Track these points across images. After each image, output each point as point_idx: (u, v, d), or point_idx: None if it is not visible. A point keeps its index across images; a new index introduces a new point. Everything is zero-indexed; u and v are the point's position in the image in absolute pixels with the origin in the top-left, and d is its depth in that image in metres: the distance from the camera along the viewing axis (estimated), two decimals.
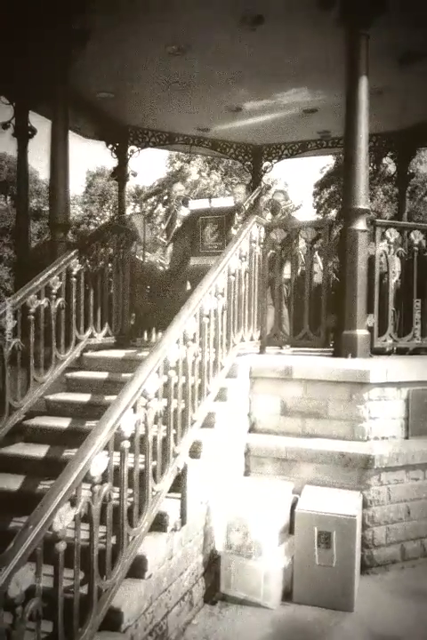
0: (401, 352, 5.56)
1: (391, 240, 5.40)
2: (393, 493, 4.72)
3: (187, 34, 6.15)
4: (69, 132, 6.33)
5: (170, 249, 7.43)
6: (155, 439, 3.46)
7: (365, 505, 4.60)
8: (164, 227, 7.84)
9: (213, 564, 4.27)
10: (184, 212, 7.32)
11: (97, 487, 2.83)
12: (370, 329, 5.28)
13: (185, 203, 7.46)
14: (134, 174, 10.17)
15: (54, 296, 5.02)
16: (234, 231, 6.40)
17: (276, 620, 3.99)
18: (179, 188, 8.18)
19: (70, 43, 5.75)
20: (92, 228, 26.51)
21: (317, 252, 5.69)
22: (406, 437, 4.92)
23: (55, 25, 5.63)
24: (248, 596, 4.16)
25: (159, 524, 3.55)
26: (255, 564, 4.14)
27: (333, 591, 4.14)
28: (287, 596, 4.26)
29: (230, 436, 4.69)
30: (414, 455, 4.76)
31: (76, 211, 28.87)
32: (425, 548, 4.86)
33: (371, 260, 5.34)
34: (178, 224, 7.26)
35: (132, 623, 3.10)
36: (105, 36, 6.05)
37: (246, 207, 6.70)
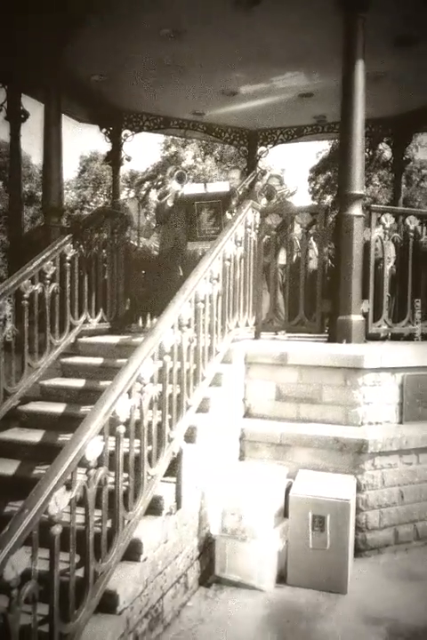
0: (396, 338, 5.58)
1: (387, 226, 5.40)
2: (387, 478, 4.76)
3: (182, 16, 6.06)
4: (63, 115, 6.28)
5: (161, 231, 7.34)
6: (150, 424, 3.47)
7: (359, 489, 4.63)
8: (155, 205, 7.72)
9: (208, 548, 4.30)
10: (176, 187, 7.17)
11: (92, 471, 2.83)
12: (365, 315, 5.30)
13: (180, 178, 7.31)
14: (129, 159, 10.09)
15: (48, 281, 5.00)
16: (229, 216, 6.38)
17: (270, 603, 4.03)
18: (171, 171, 8.09)
19: (64, 26, 5.67)
20: (85, 212, 26.33)
21: (312, 238, 5.68)
22: (400, 422, 4.95)
23: (49, 8, 5.55)
24: (243, 579, 4.19)
25: (154, 508, 3.57)
26: (250, 547, 4.17)
27: (326, 574, 4.18)
28: (282, 578, 4.30)
29: (225, 421, 4.70)
30: (407, 440, 4.80)
31: (69, 195, 28.66)
32: (418, 531, 4.91)
33: (366, 246, 5.34)
34: (169, 203, 7.14)
35: (127, 605, 3.13)
36: (99, 19, 5.97)
37: (241, 192, 6.67)
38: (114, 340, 5.52)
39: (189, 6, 5.84)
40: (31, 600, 2.37)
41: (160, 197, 7.25)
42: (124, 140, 9.76)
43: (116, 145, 9.75)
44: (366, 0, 5.07)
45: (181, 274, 6.84)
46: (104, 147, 10.12)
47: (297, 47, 6.68)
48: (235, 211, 6.03)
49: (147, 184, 8.23)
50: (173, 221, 7.09)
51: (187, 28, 6.32)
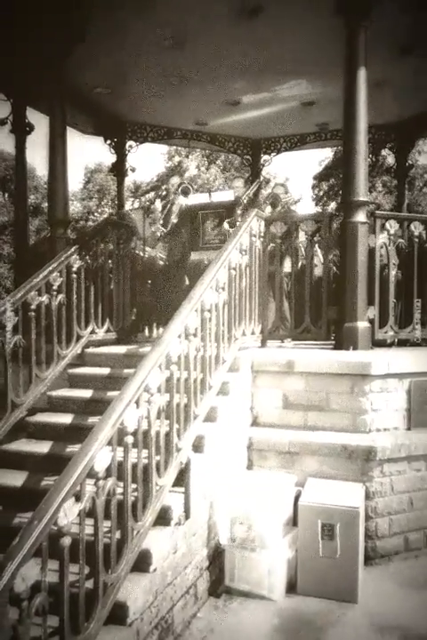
0: (402, 344, 5.56)
1: (391, 232, 5.40)
2: (396, 484, 4.73)
3: (183, 26, 6.11)
4: (67, 127, 6.31)
5: (169, 241, 7.40)
6: (158, 434, 3.47)
7: (368, 496, 4.61)
8: (160, 216, 7.80)
9: (217, 558, 4.28)
10: (182, 200, 7.27)
11: (101, 482, 2.83)
12: (371, 321, 5.28)
13: (185, 192, 7.42)
14: (133, 169, 10.15)
15: (55, 292, 5.03)
16: (227, 226, 6.40)
17: (280, 612, 4.00)
18: (175, 181, 8.15)
19: (67, 39, 5.72)
20: (91, 223, 26.45)
21: (317, 245, 5.68)
22: (408, 428, 4.93)
23: (52, 21, 5.60)
24: (253, 589, 4.17)
25: (163, 519, 3.56)
26: (259, 556, 4.16)
27: (337, 582, 4.15)
28: (292, 587, 4.28)
29: (233, 430, 4.69)
30: (416, 446, 4.77)
31: (74, 207, 28.82)
32: None
33: (371, 252, 5.33)
34: (174, 217, 7.22)
35: (137, 617, 3.12)
36: (102, 32, 6.02)
37: (245, 201, 6.69)
38: (121, 350, 5.53)
39: (192, 17, 5.89)
40: (41, 612, 2.37)
41: (164, 210, 7.34)
42: (129, 150, 9.83)
43: (121, 156, 9.81)
44: (368, 8, 5.10)
45: (188, 283, 6.86)
46: (108, 158, 10.15)
47: (299, 56, 6.71)
48: (239, 220, 6.05)
49: (151, 194, 8.33)
50: (181, 233, 7.15)
51: (189, 38, 6.37)
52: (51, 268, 5.02)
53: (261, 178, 10.26)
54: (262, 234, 5.40)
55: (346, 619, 3.92)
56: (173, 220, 7.27)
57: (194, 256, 6.76)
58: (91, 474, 2.78)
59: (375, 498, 4.64)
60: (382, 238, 5.40)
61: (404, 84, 7.52)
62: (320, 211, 21.18)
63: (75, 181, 30.85)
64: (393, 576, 4.50)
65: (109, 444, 2.95)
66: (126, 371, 4.74)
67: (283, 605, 4.10)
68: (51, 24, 5.65)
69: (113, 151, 9.80)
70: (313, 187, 27.95)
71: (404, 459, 4.75)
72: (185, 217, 7.11)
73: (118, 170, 10.01)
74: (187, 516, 3.75)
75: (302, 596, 4.20)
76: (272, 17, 5.83)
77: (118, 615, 3.01)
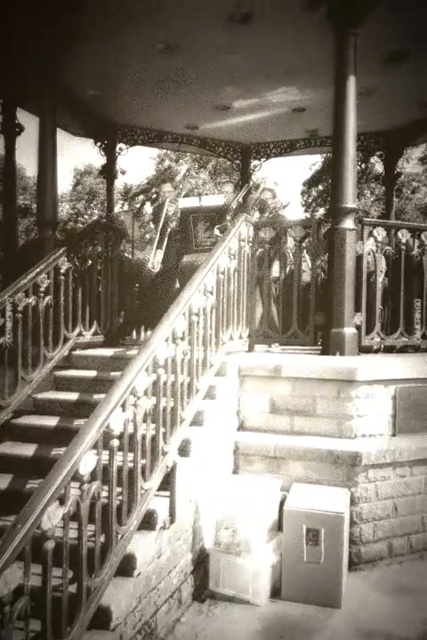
0: (389, 350, 5.59)
1: (379, 239, 5.43)
2: (381, 490, 4.76)
3: (175, 32, 6.13)
4: (58, 129, 6.29)
5: (163, 250, 7.41)
6: (144, 437, 3.47)
7: (352, 502, 4.63)
8: (153, 226, 7.81)
9: (202, 562, 4.28)
10: (171, 208, 7.31)
11: (86, 486, 2.82)
12: (358, 327, 5.31)
13: (172, 201, 7.48)
14: (123, 172, 10.13)
15: (42, 294, 5.00)
16: (217, 232, 6.41)
17: (264, 617, 4.00)
18: (168, 189, 8.15)
19: (59, 41, 5.71)
20: (79, 225, 26.37)
21: (305, 251, 5.71)
22: (394, 434, 4.96)
23: (43, 22, 5.59)
24: (237, 594, 4.17)
25: (148, 523, 3.55)
26: (244, 561, 4.16)
27: (321, 588, 4.16)
28: (276, 593, 4.28)
29: (219, 434, 4.70)
30: (401, 452, 4.80)
31: (63, 208, 28.70)
32: (412, 544, 4.91)
33: (359, 259, 5.37)
34: (172, 225, 7.26)
35: (121, 621, 3.10)
36: (93, 34, 6.02)
37: (235, 206, 6.71)
38: (108, 352, 5.51)
39: (183, 22, 5.90)
40: (24, 616, 2.35)
41: (155, 215, 7.38)
42: (119, 153, 9.80)
43: (111, 158, 9.79)
44: (358, 16, 5.13)
45: (178, 286, 6.86)
46: (98, 160, 10.14)
47: (290, 63, 6.76)
48: (228, 225, 6.06)
49: (141, 197, 8.33)
50: (174, 238, 7.18)
51: (181, 42, 6.38)
52: (38, 270, 5.00)
53: (251, 182, 10.26)
54: (251, 239, 5.42)
55: (330, 624, 3.93)
56: (172, 225, 7.28)
57: (186, 258, 6.77)
58: (76, 477, 2.77)
59: (360, 503, 4.67)
60: (369, 245, 5.43)
61: (393, 92, 7.59)
62: (309, 217, 21.28)
63: (64, 183, 30.73)
64: (377, 582, 4.52)
65: (95, 447, 2.94)
66: (113, 373, 4.73)
67: (267, 610, 4.10)
68: (42, 25, 5.63)
69: (103, 153, 9.78)
70: (302, 193, 28.09)
71: (389, 465, 4.78)
72: (180, 222, 7.14)
73: (108, 172, 9.99)
74: (172, 521, 3.74)
75: (287, 601, 4.20)
76: (263, 24, 5.86)
77: (102, 619, 3.00)
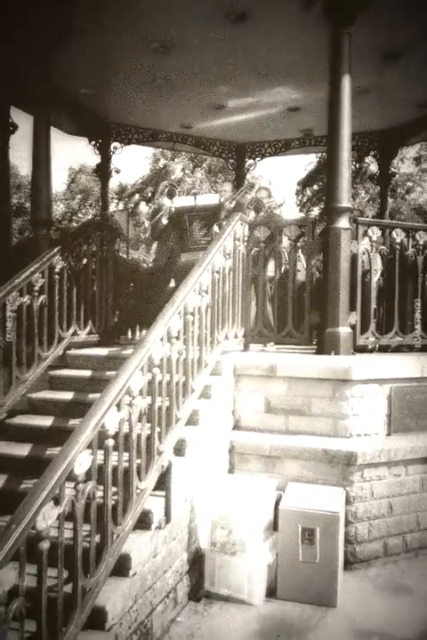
0: (383, 349, 5.60)
1: (374, 238, 5.44)
2: (376, 489, 4.77)
3: (170, 30, 6.10)
4: (51, 127, 6.26)
5: (154, 246, 7.39)
6: (139, 437, 3.45)
7: (348, 501, 4.63)
8: (147, 224, 7.78)
9: (197, 562, 4.27)
10: (168, 203, 7.25)
11: (81, 485, 2.81)
12: (353, 326, 5.32)
13: (171, 194, 7.39)
14: (118, 171, 10.10)
15: (37, 293, 4.98)
16: (216, 229, 6.40)
17: (260, 617, 4.00)
18: (164, 187, 8.13)
19: (52, 39, 5.68)
20: (74, 224, 26.28)
21: (300, 250, 5.71)
22: (389, 434, 4.97)
23: (38, 19, 5.56)
24: (232, 593, 4.17)
25: (144, 522, 3.54)
26: (239, 561, 4.15)
27: (316, 587, 4.17)
28: (271, 592, 4.28)
29: (215, 434, 4.69)
30: (396, 451, 4.81)
31: (57, 207, 28.59)
32: (407, 543, 4.92)
33: (354, 259, 5.37)
34: (164, 221, 7.20)
35: (116, 621, 3.09)
36: (88, 33, 5.99)
37: (233, 205, 6.70)
38: (103, 352, 5.49)
39: (178, 20, 5.88)
40: (19, 617, 2.34)
41: (152, 218, 7.30)
42: (113, 152, 9.77)
43: (105, 157, 9.76)
44: (353, 15, 5.14)
45: (173, 285, 6.85)
46: (93, 159, 10.10)
47: (284, 61, 6.75)
48: (224, 223, 6.05)
49: (136, 197, 8.31)
50: (167, 236, 7.14)
51: (175, 41, 6.36)
52: (33, 269, 4.98)
53: (246, 182, 10.25)
54: (246, 238, 5.41)
55: (325, 623, 3.93)
56: (164, 221, 7.22)
57: (183, 257, 6.75)
58: (71, 477, 2.76)
59: (355, 503, 4.67)
60: (364, 245, 5.44)
61: (388, 92, 7.59)
62: (304, 216, 21.31)
63: (58, 182, 30.63)
64: (372, 581, 4.53)
65: (90, 446, 2.93)
66: (108, 373, 4.72)
67: (263, 610, 4.10)
68: (36, 22, 5.60)
69: (97, 152, 9.74)
70: (297, 192, 28.10)
71: (384, 464, 4.79)
72: (172, 220, 7.10)
73: (102, 171, 9.95)
74: (167, 520, 3.73)
75: (282, 601, 4.21)
76: (258, 22, 5.84)
77: (97, 620, 2.98)
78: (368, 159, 13.32)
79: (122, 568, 3.28)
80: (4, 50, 6.28)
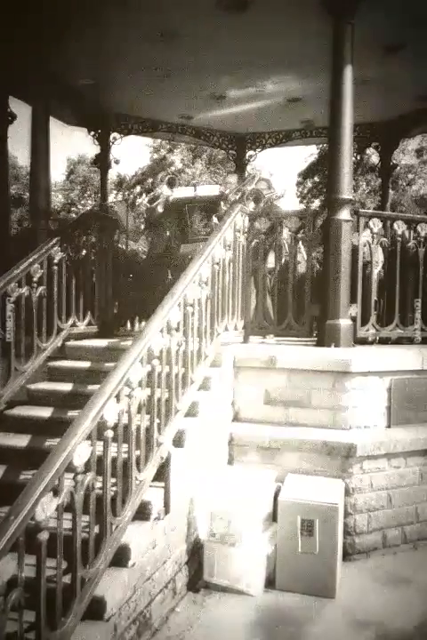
0: (384, 341, 5.60)
1: (375, 230, 5.42)
2: (375, 481, 4.77)
3: (171, 20, 6.05)
4: (50, 118, 6.23)
5: (151, 235, 7.36)
6: (138, 428, 3.45)
7: (347, 493, 4.64)
8: (147, 215, 7.76)
9: (196, 553, 4.28)
10: (167, 192, 7.22)
11: (80, 477, 2.80)
12: (353, 319, 5.30)
13: (171, 183, 7.36)
14: (117, 162, 10.06)
15: (35, 284, 4.97)
16: (216, 220, 6.37)
17: (259, 608, 4.01)
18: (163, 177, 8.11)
19: (51, 28, 5.64)
20: (73, 215, 26.20)
21: (301, 242, 5.68)
22: (388, 426, 4.97)
23: (35, 9, 5.51)
24: (231, 584, 4.18)
25: (143, 513, 3.54)
26: (238, 552, 4.16)
27: (315, 578, 4.17)
28: (270, 583, 4.29)
29: (214, 425, 4.69)
30: (395, 443, 4.81)
31: (57, 198, 28.46)
32: (406, 535, 4.93)
33: (354, 251, 5.35)
34: (160, 209, 7.15)
35: (115, 612, 3.10)
36: (87, 21, 5.94)
37: (238, 197, 6.65)
38: (102, 343, 5.48)
39: (179, 10, 5.83)
40: (18, 607, 2.34)
41: (151, 202, 7.27)
42: (113, 142, 9.72)
43: (105, 148, 9.71)
44: (354, 6, 5.09)
45: (170, 277, 6.83)
46: (92, 149, 10.08)
47: (285, 52, 6.69)
48: (224, 215, 6.03)
49: (138, 188, 8.29)
50: (164, 226, 7.10)
51: (176, 31, 6.31)
52: (31, 260, 4.97)
53: (247, 174, 10.22)
54: (246, 229, 5.39)
55: (324, 614, 3.95)
56: (159, 209, 7.18)
57: (183, 248, 6.73)
58: (70, 468, 2.75)
59: (355, 494, 4.68)
60: (365, 236, 5.41)
61: (389, 83, 7.54)
62: (305, 208, 21.25)
63: (57, 172, 30.45)
64: (371, 572, 4.54)
65: (89, 438, 2.93)
66: (107, 364, 4.70)
67: (261, 601, 4.11)
68: (35, 10, 5.55)
69: (97, 143, 9.68)
70: (298, 183, 28.01)
71: (383, 456, 4.79)
72: (170, 210, 7.07)
73: (102, 162, 9.90)
74: (166, 511, 3.74)
75: (281, 592, 4.22)
76: (259, 12, 5.79)
77: (96, 610, 2.99)
78: (369, 151, 13.23)
79: (121, 559, 3.28)
80: (2, 39, 6.23)
